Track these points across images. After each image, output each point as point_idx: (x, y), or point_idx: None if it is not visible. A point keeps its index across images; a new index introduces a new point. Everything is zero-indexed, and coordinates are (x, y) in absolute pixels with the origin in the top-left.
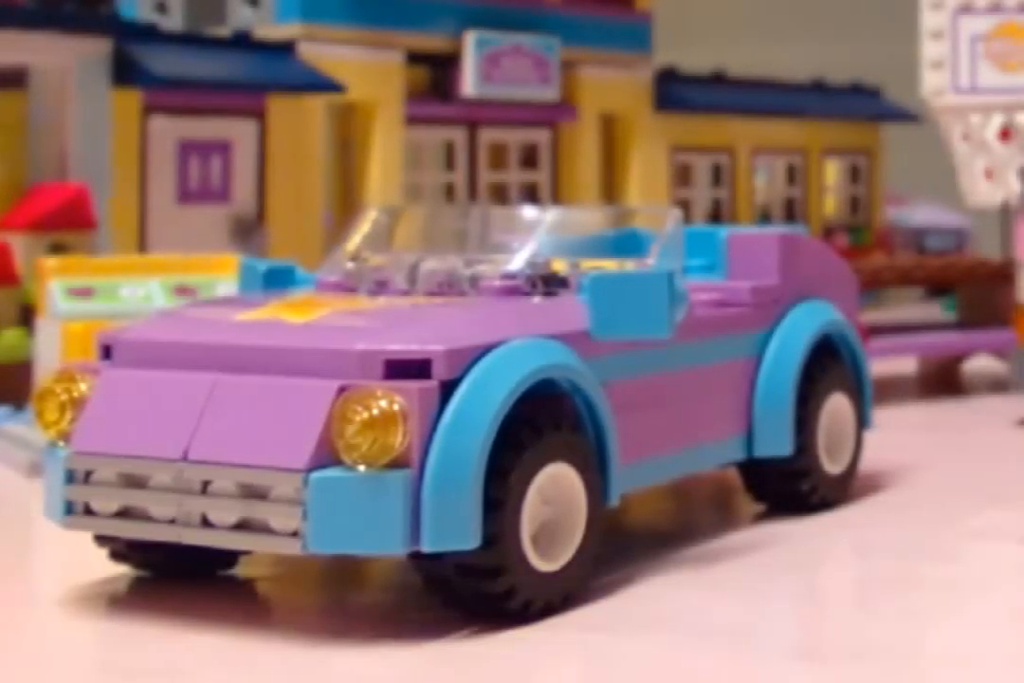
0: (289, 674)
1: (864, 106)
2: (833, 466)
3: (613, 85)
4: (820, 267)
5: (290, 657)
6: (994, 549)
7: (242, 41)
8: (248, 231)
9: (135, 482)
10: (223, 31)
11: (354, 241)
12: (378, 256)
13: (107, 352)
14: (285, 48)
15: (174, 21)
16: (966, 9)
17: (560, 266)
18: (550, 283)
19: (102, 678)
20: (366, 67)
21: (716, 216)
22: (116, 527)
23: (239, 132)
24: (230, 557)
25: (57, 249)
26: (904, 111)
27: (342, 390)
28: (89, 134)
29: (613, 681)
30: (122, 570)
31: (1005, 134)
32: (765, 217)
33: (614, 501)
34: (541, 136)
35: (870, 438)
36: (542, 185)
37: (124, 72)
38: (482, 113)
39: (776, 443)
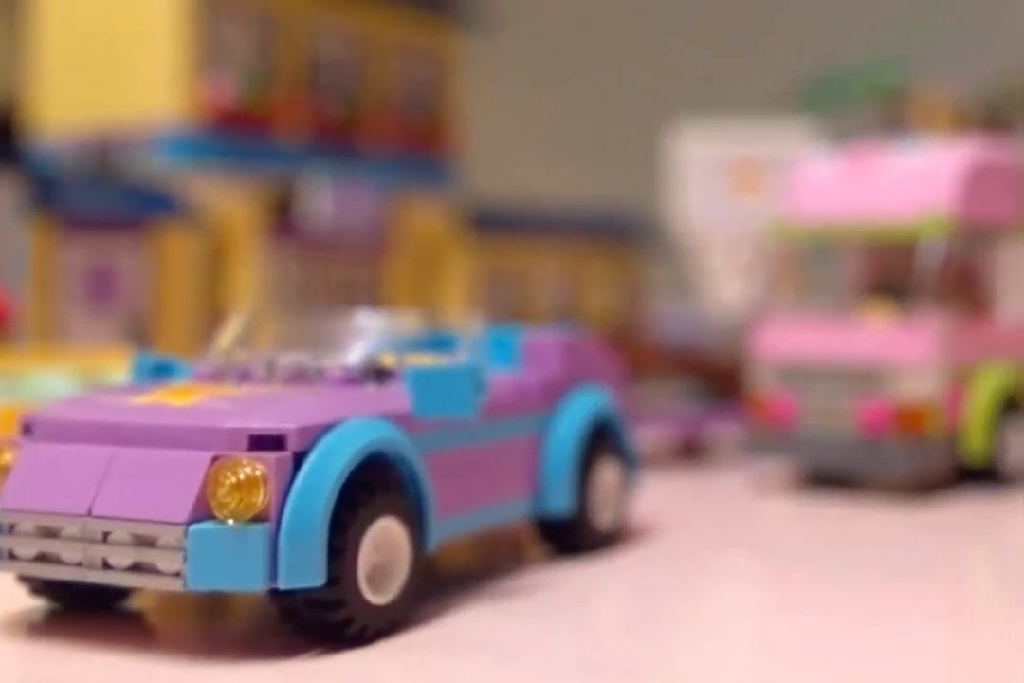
0: None
1: (632, 231)
2: (604, 518)
3: (429, 216)
4: (594, 361)
5: (173, 673)
6: (740, 589)
7: (132, 180)
8: (137, 333)
9: (49, 533)
10: (118, 171)
11: (224, 339)
12: (243, 352)
13: (27, 429)
14: (166, 185)
15: (79, 164)
16: (711, 149)
17: (388, 360)
18: (380, 374)
19: None
20: (231, 201)
21: (517, 317)
22: (34, 569)
23: (130, 254)
24: (125, 593)
25: None
26: (663, 233)
27: (215, 459)
28: (11, 255)
29: None
30: (39, 603)
31: (743, 255)
32: (553, 318)
33: (431, 548)
34: (370, 258)
35: (640, 497)
36: (371, 297)
37: (38, 205)
38: (325, 240)
39: (559, 503)
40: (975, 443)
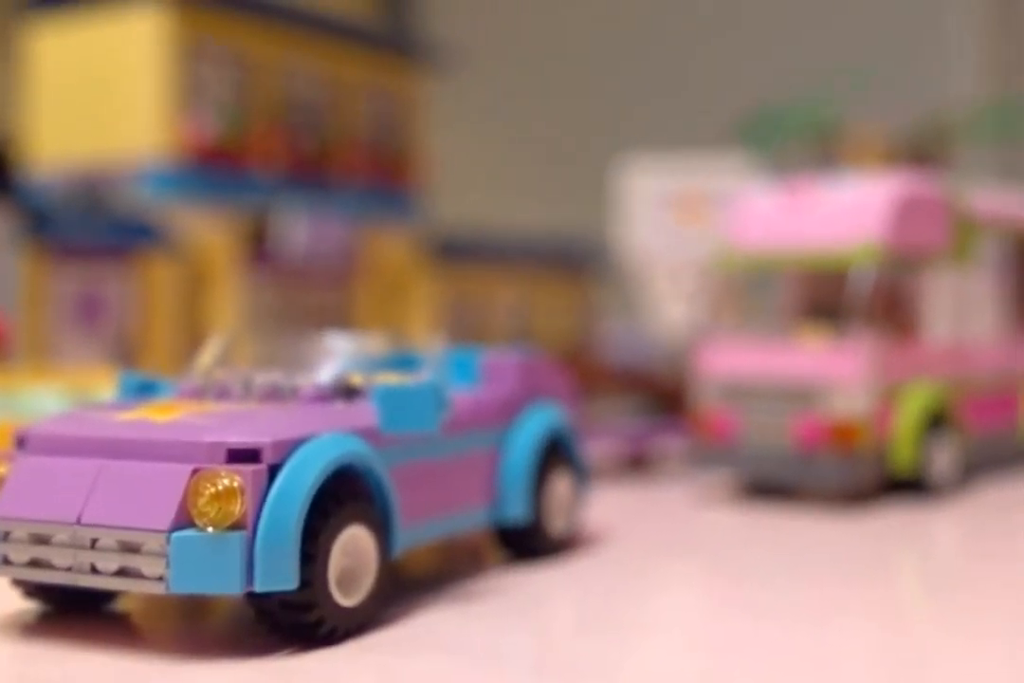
0: (157, 681)
1: (584, 257)
2: (558, 526)
3: (394, 244)
4: (548, 379)
5: (157, 670)
6: (684, 592)
7: (119, 212)
8: (124, 354)
9: (42, 540)
10: (105, 204)
11: (204, 360)
12: (222, 371)
13: (21, 442)
14: (151, 217)
15: (69, 198)
16: (657, 181)
17: (357, 379)
18: (349, 392)
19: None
20: (211, 232)
21: (477, 339)
22: (28, 573)
23: (116, 281)
24: (112, 596)
25: None
26: (613, 260)
27: (195, 471)
28: (5, 281)
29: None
30: (32, 606)
31: (688, 282)
32: (511, 339)
33: (396, 554)
34: (340, 284)
35: (591, 507)
36: (341, 320)
37: (31, 236)
38: (297, 266)
39: (516, 511)
40: (903, 456)
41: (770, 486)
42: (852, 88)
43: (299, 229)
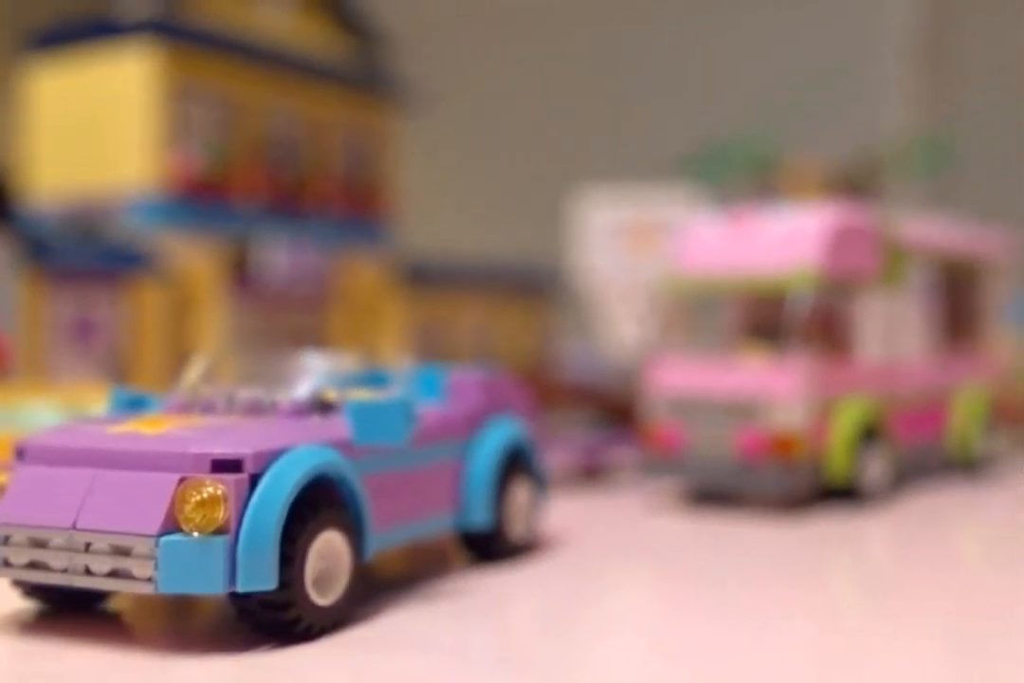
0: (146, 675)
1: (543, 282)
2: (518, 531)
3: (367, 269)
4: (509, 395)
5: (146, 665)
6: (634, 593)
7: (112, 239)
8: (116, 371)
9: (39, 543)
10: (99, 231)
11: (190, 377)
12: (206, 388)
13: (20, 454)
14: (141, 244)
15: (64, 225)
16: (611, 211)
17: (331, 395)
18: (324, 407)
19: (18, 680)
20: (197, 258)
21: (443, 357)
22: (27, 575)
23: (109, 303)
24: (104, 595)
25: None
26: (569, 284)
27: (182, 480)
28: (4, 304)
29: (368, 679)
30: (30, 605)
31: (637, 304)
32: (474, 358)
33: (368, 557)
34: (316, 306)
35: (548, 513)
36: (317, 340)
37: (29, 260)
38: (277, 290)
39: (479, 517)
40: (837, 466)
41: (715, 494)
42: (788, 124)
43: (278, 256)
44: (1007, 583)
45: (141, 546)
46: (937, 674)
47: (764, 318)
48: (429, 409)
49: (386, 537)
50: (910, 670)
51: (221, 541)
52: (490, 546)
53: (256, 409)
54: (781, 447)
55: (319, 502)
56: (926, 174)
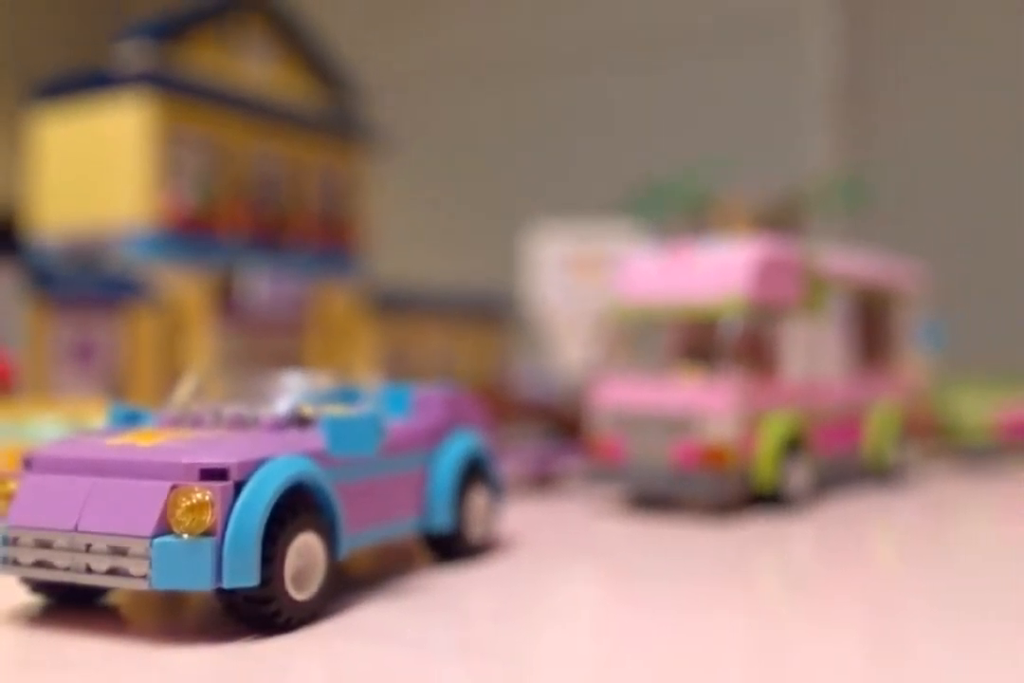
0: (141, 662)
1: (499, 307)
2: (476, 533)
3: (340, 297)
4: (468, 410)
5: (141, 652)
6: (582, 588)
7: (109, 269)
8: (113, 389)
9: (44, 544)
10: (97, 262)
11: (180, 394)
12: (196, 404)
13: (27, 464)
14: (136, 274)
15: (66, 257)
16: (560, 245)
17: (308, 411)
18: (302, 421)
19: (25, 667)
20: (187, 287)
21: (409, 376)
22: (33, 572)
23: (107, 327)
24: (104, 591)
25: None
26: (523, 310)
27: (173, 487)
28: (11, 327)
29: (341, 666)
30: (37, 600)
31: (586, 328)
32: (437, 377)
33: (342, 556)
34: (294, 330)
35: (504, 517)
36: (295, 361)
37: (33, 288)
38: (258, 316)
39: (441, 521)
40: (764, 475)
41: (653, 499)
42: (720, 165)
43: (260, 285)
44: (915, 578)
45: (136, 546)
46: (850, 658)
47: (698, 341)
48: (396, 423)
49: (357, 538)
50: (826, 655)
51: (209, 542)
52: (451, 547)
53: (240, 423)
54: (713, 457)
55: (297, 507)
56: (845, 211)
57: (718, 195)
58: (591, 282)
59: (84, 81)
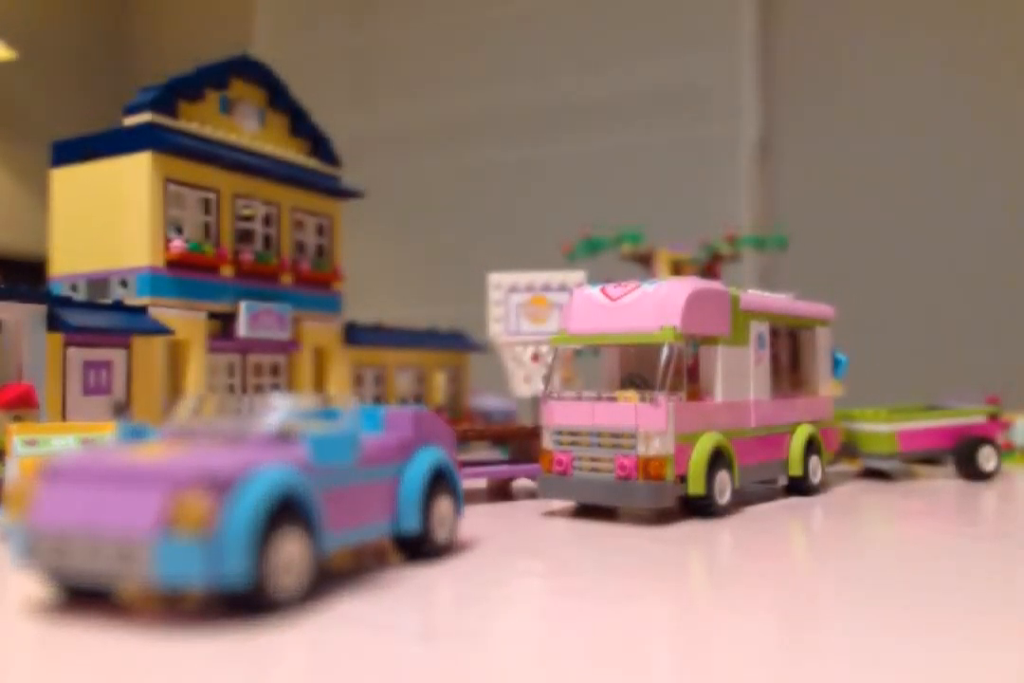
0: (145, 651)
1: (459, 342)
2: (441, 535)
3: (320, 331)
4: (435, 428)
5: (145, 641)
6: (531, 581)
7: (117, 306)
8: (121, 410)
9: (60, 544)
10: (107, 300)
11: (181, 413)
12: (195, 421)
13: (46, 473)
14: (141, 310)
15: (80, 295)
16: (513, 289)
17: (294, 427)
18: (288, 436)
19: (44, 649)
20: (185, 321)
21: (382, 400)
22: (50, 569)
23: (116, 356)
24: (114, 586)
25: (17, 418)
26: (480, 344)
27: (175, 492)
28: (34, 357)
29: (322, 647)
30: (54, 594)
31: (535, 358)
32: (407, 400)
33: (325, 555)
34: (281, 359)
35: (465, 522)
36: (282, 384)
37: (52, 323)
38: (249, 346)
39: (410, 524)
40: (695, 484)
41: (597, 506)
42: (655, 219)
43: (252, 320)
44: (825, 569)
45: (141, 547)
46: (767, 641)
47: (637, 367)
48: (370, 438)
49: (337, 539)
50: (746, 639)
51: (206, 543)
52: (419, 547)
53: (234, 438)
54: (651, 469)
55: (284, 511)
56: (762, 256)
57: (650, 243)
58: (540, 324)
59: (94, 142)
